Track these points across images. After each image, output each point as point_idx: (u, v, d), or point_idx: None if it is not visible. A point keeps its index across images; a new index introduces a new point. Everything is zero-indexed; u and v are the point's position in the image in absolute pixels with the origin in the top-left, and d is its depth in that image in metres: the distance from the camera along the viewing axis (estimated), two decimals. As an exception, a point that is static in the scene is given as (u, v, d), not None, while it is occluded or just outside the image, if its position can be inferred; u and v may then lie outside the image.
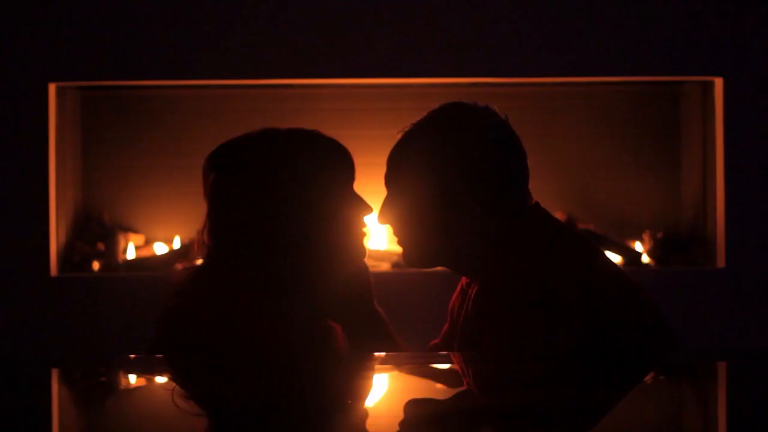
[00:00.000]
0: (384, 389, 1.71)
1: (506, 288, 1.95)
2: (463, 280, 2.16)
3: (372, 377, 1.82)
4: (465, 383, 1.76)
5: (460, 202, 2.02)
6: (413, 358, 2.05)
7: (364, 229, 2.10)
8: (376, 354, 2.09)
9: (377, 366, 1.91)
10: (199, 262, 2.07)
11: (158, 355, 1.97)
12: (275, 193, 2.01)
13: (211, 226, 2.04)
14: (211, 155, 2.08)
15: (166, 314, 2.00)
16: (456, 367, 1.91)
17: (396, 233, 2.09)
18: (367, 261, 2.15)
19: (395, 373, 1.84)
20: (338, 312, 2.10)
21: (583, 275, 1.96)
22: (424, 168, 2.03)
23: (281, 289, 2.00)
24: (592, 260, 2.02)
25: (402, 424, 1.44)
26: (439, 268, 2.14)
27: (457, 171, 2.01)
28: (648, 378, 1.79)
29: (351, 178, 2.09)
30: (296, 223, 2.00)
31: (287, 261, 2.01)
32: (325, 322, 2.08)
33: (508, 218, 2.03)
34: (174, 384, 1.78)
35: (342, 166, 2.07)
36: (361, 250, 2.08)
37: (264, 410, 1.51)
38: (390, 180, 2.09)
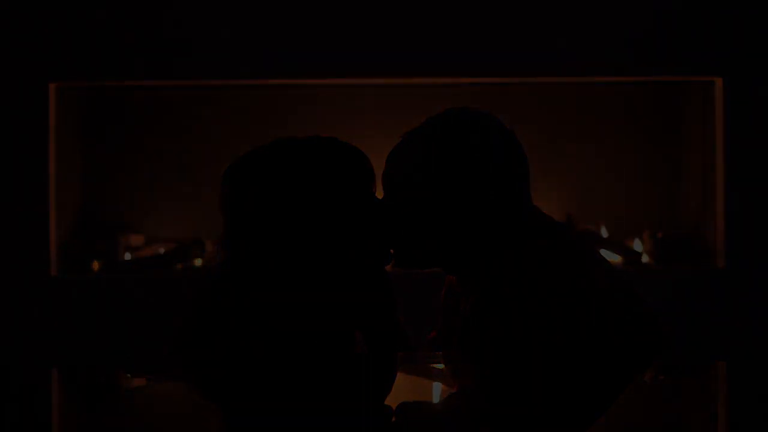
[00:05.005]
0: (404, 390, 1.71)
1: (507, 297, 1.95)
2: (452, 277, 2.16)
3: (394, 379, 1.82)
4: (461, 385, 1.76)
5: (459, 208, 2.01)
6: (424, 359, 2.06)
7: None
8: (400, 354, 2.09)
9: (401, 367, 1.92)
10: (198, 262, 2.07)
11: (176, 357, 1.97)
12: (292, 205, 1.97)
13: (227, 240, 2.02)
14: (228, 169, 2.05)
15: (184, 319, 2.00)
16: (453, 368, 1.91)
17: (391, 233, 2.07)
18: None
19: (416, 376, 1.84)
20: (358, 322, 2.08)
21: (581, 280, 1.97)
22: (425, 172, 2.02)
23: (299, 299, 1.98)
24: (590, 263, 2.03)
25: (403, 424, 1.44)
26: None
27: (459, 177, 2.01)
28: (648, 378, 1.79)
29: (370, 185, 2.05)
30: (314, 234, 1.98)
31: (306, 272, 1.99)
32: (345, 331, 2.06)
33: (507, 224, 2.03)
34: (193, 382, 1.79)
35: (361, 173, 2.04)
36: (383, 257, 2.06)
37: (280, 410, 1.51)
38: (389, 180, 2.08)
